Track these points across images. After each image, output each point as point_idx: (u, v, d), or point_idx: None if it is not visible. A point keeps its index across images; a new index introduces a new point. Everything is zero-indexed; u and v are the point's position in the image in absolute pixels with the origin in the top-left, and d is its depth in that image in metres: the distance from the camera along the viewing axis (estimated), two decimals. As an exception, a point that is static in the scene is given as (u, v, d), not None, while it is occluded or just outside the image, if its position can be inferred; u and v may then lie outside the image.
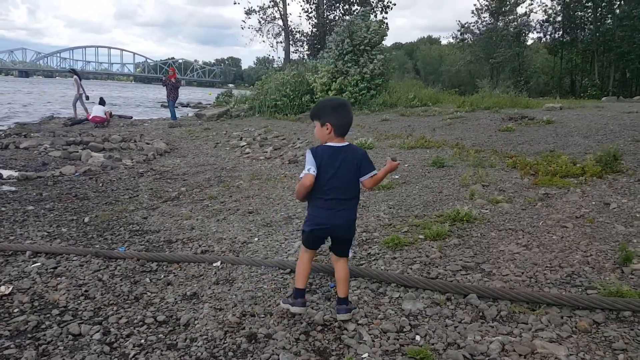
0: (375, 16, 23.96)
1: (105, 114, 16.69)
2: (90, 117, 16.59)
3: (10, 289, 3.43)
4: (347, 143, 2.84)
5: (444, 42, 61.09)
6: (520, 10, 42.18)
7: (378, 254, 3.90)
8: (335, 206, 2.76)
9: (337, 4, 24.81)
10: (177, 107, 19.98)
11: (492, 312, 2.89)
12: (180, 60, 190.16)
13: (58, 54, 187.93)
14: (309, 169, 2.74)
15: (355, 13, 22.88)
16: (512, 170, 6.37)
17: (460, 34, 42.85)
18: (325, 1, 24.59)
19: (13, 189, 6.92)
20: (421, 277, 3.36)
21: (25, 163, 9.00)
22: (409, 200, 5.38)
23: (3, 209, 5.80)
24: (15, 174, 7.88)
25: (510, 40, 38.03)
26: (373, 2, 25.22)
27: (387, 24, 23.91)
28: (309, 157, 2.77)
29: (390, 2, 25.44)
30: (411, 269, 3.58)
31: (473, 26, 41.66)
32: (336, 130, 2.79)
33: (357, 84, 16.04)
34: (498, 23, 39.43)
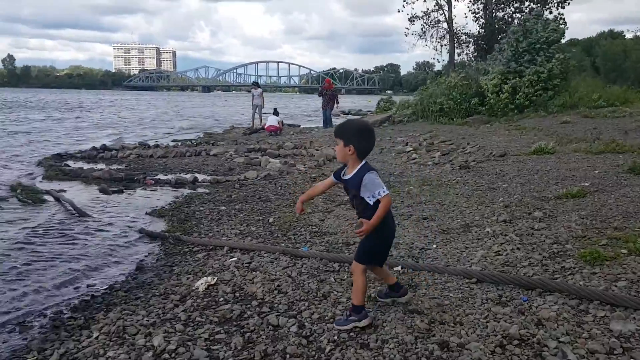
0: (550, 12, 22.13)
1: (278, 124, 18.00)
2: (266, 127, 18.04)
3: (215, 279, 3.84)
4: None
5: (628, 35, 54.24)
6: None
7: (574, 268, 3.55)
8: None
9: (508, 2, 23.45)
10: (338, 114, 20.78)
11: None
12: (340, 70, 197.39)
13: (234, 70, 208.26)
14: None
15: (527, 11, 21.39)
16: None
17: (652, 25, 37.48)
18: (494, 0, 23.43)
19: (207, 191, 7.79)
20: (631, 296, 2.97)
21: (215, 168, 10.08)
22: (605, 210, 4.83)
23: (201, 208, 6.55)
24: (208, 178, 8.87)
25: None
26: (547, -2, 23.36)
27: (564, 19, 21.96)
28: (378, 178, 2.81)
29: (567, -3, 23.32)
30: (616, 286, 3.20)
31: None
32: (359, 154, 2.86)
33: (532, 85, 14.97)
34: None
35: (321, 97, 19.41)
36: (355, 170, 2.86)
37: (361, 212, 2.86)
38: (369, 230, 2.76)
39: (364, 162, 2.87)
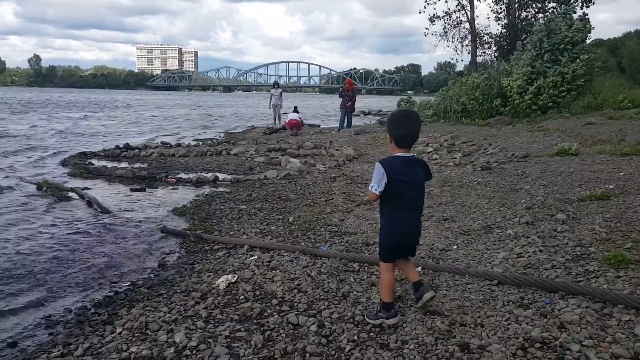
0: (575, 12, 21.75)
1: (299, 119, 18.17)
2: (287, 122, 18.26)
3: (236, 277, 3.87)
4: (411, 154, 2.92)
5: (657, 35, 53.06)
6: None
7: (598, 271, 3.49)
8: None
9: (531, 2, 23.10)
10: (358, 115, 20.65)
11: None
12: (361, 70, 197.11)
13: (255, 70, 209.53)
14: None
15: (550, 11, 21.03)
16: None
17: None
18: (517, 0, 23.10)
19: (228, 189, 7.85)
20: (658, 302, 2.91)
21: (236, 167, 10.16)
22: (630, 213, 4.73)
23: (222, 207, 6.61)
24: (228, 177, 8.94)
25: None
26: (572, -2, 22.96)
27: (588, 19, 21.55)
28: (380, 172, 2.86)
29: (593, -4, 22.87)
30: (641, 290, 3.13)
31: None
32: (395, 142, 2.91)
33: (556, 86, 14.73)
34: None
35: (341, 97, 19.12)
36: None
37: None
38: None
39: (400, 153, 2.91)
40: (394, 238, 2.95)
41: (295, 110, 19.64)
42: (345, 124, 19.03)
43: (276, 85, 21.63)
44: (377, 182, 2.84)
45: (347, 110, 19.01)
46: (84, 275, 4.25)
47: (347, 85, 19.19)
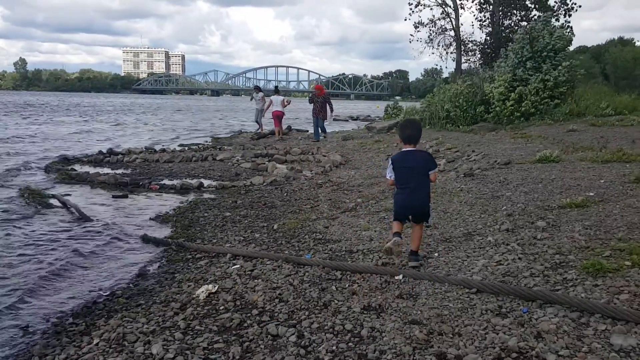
0: (557, 20, 22.06)
1: (283, 103, 17.85)
2: (272, 112, 17.82)
3: (217, 287, 3.85)
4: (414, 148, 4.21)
5: (639, 43, 53.96)
6: None
7: (576, 279, 3.53)
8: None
9: (514, 11, 23.41)
10: (346, 120, 20.09)
11: None
12: (350, 75, 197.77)
13: (244, 74, 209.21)
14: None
15: (533, 19, 21.33)
16: None
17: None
18: (500, 8, 23.38)
19: (212, 196, 7.82)
20: (633, 310, 2.95)
21: (221, 173, 10.13)
22: (609, 221, 4.79)
23: (206, 214, 6.58)
24: (214, 183, 8.91)
25: None
26: (554, 5, 23.30)
27: (571, 27, 21.88)
28: (389, 165, 4.27)
29: (575, 5, 23.26)
30: (618, 299, 3.17)
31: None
32: (402, 140, 4.25)
33: (537, 93, 14.91)
34: None
35: (312, 104, 17.15)
36: None
37: None
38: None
39: (405, 148, 4.20)
40: (396, 206, 4.21)
41: (276, 90, 19.21)
42: (318, 134, 17.12)
43: (257, 89, 20.98)
44: (389, 171, 4.24)
45: (318, 117, 16.99)
46: (62, 284, 4.21)
47: (317, 92, 17.49)
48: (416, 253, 4.14)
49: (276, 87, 21.63)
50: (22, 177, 9.59)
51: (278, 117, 17.74)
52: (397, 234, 4.06)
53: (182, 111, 49.43)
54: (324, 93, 17.56)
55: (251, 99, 20.93)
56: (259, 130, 19.68)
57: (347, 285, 3.81)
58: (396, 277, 3.86)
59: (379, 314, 3.24)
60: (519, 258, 4.05)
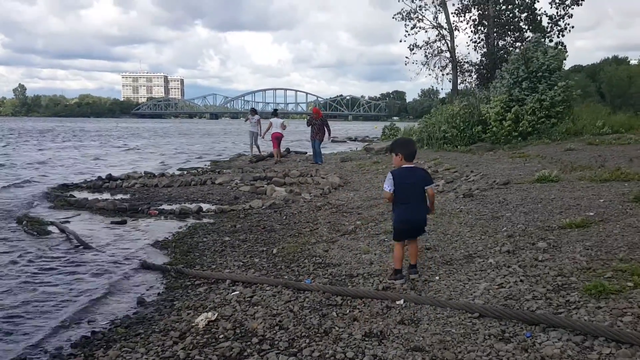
0: (551, 41, 22.35)
1: (281, 126, 18.04)
2: (272, 134, 17.99)
3: (216, 315, 3.81)
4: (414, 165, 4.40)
5: (633, 61, 54.63)
6: None
7: (579, 302, 3.50)
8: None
9: (509, 32, 23.73)
10: (344, 141, 20.16)
11: None
12: (347, 97, 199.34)
13: (242, 98, 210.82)
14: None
15: (527, 40, 21.63)
16: None
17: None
18: (495, 30, 23.71)
19: (211, 220, 7.80)
20: (638, 332, 2.92)
21: (220, 197, 10.11)
22: (610, 241, 4.77)
23: (205, 239, 6.56)
24: (213, 207, 8.90)
25: None
26: (547, 27, 23.62)
27: (565, 47, 22.16)
28: (389, 178, 4.28)
29: (568, 25, 23.60)
30: (621, 321, 3.14)
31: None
32: (406, 157, 4.32)
33: (534, 112, 15.02)
34: None
35: (310, 126, 17.19)
36: None
37: None
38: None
39: (405, 165, 4.33)
40: (399, 224, 4.29)
41: (275, 113, 19.41)
42: (317, 157, 17.07)
43: (253, 111, 20.86)
44: (388, 185, 4.26)
45: (315, 139, 16.89)
46: (61, 313, 4.17)
47: (315, 115, 17.51)
48: (415, 266, 4.42)
49: (275, 109, 21.75)
50: (21, 202, 9.57)
51: (277, 139, 17.86)
52: (399, 273, 4.30)
53: (188, 135, 49.69)
54: (321, 116, 17.71)
55: (245, 120, 21.02)
56: (257, 153, 19.71)
57: (348, 311, 3.77)
58: (397, 302, 3.83)
59: (380, 341, 3.20)
60: (521, 280, 4.02)
